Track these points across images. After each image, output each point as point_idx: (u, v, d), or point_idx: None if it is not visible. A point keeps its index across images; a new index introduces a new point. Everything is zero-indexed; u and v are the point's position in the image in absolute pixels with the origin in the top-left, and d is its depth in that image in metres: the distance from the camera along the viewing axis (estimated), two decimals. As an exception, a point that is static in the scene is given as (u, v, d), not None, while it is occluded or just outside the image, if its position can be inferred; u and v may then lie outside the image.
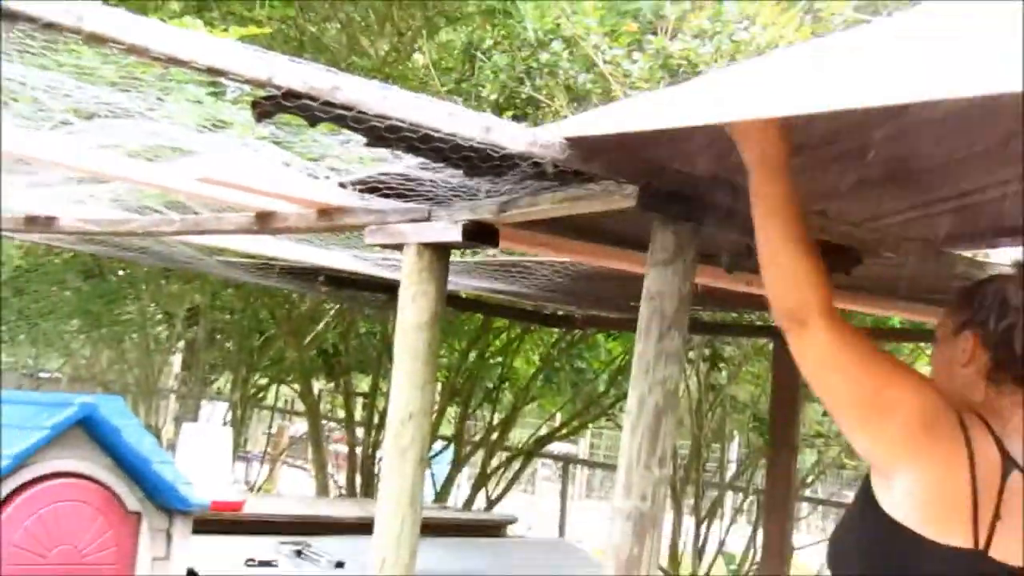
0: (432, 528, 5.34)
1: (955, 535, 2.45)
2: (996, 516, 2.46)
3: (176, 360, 11.74)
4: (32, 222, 5.20)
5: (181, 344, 10.92)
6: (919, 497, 2.46)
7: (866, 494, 2.56)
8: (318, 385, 10.49)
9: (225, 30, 5.19)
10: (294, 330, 9.33)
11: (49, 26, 2.03)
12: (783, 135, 2.53)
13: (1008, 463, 2.50)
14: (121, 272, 9.25)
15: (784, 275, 2.52)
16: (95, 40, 2.10)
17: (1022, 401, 2.59)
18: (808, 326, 2.48)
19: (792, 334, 2.52)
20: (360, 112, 2.49)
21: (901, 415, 2.46)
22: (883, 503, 2.50)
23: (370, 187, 3.64)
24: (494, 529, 7.40)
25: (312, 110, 2.49)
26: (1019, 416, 2.58)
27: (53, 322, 10.40)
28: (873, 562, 2.55)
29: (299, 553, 5.69)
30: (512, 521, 8.00)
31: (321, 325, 9.39)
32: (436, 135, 2.64)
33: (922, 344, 7.90)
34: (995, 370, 2.62)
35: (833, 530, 2.83)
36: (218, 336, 10.46)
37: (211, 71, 2.25)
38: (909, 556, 2.48)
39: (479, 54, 6.68)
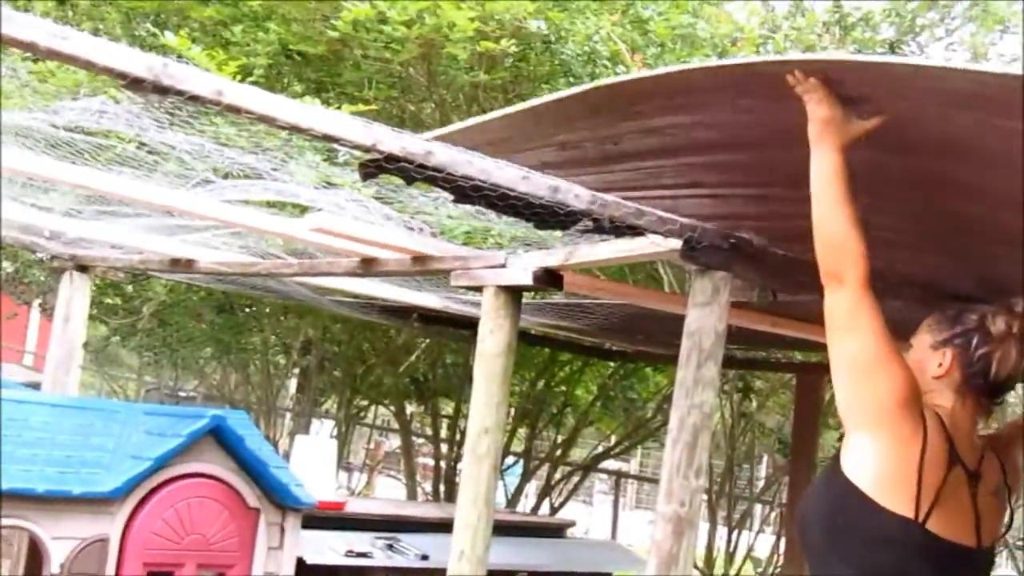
0: (504, 528, 5.34)
1: (899, 504, 2.43)
2: (936, 499, 2.45)
3: (292, 383, 11.79)
4: (175, 263, 5.28)
5: (296, 370, 10.98)
6: (875, 463, 2.45)
7: (834, 462, 2.54)
8: (410, 407, 10.49)
9: (338, 107, 5.25)
10: (390, 360, 9.36)
11: (194, 98, 2.06)
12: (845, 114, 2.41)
13: (953, 457, 2.51)
14: (248, 308, 9.33)
15: (833, 239, 2.44)
16: (232, 110, 2.13)
17: (973, 413, 2.63)
18: (844, 286, 2.43)
19: (830, 289, 2.47)
20: (449, 173, 2.51)
21: (887, 386, 2.43)
22: (845, 467, 2.48)
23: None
24: (556, 531, 7.35)
25: (408, 171, 2.51)
26: (969, 424, 2.62)
27: (191, 349, 10.50)
28: (831, 521, 2.52)
29: (391, 547, 5.69)
30: (571, 525, 7.94)
31: (413, 356, 9.40)
32: (511, 194, 2.67)
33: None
34: (964, 385, 2.63)
35: (798, 503, 2.80)
36: (327, 364, 10.48)
37: (326, 137, 2.28)
38: (859, 515, 2.46)
39: (549, 129, 6.69)
